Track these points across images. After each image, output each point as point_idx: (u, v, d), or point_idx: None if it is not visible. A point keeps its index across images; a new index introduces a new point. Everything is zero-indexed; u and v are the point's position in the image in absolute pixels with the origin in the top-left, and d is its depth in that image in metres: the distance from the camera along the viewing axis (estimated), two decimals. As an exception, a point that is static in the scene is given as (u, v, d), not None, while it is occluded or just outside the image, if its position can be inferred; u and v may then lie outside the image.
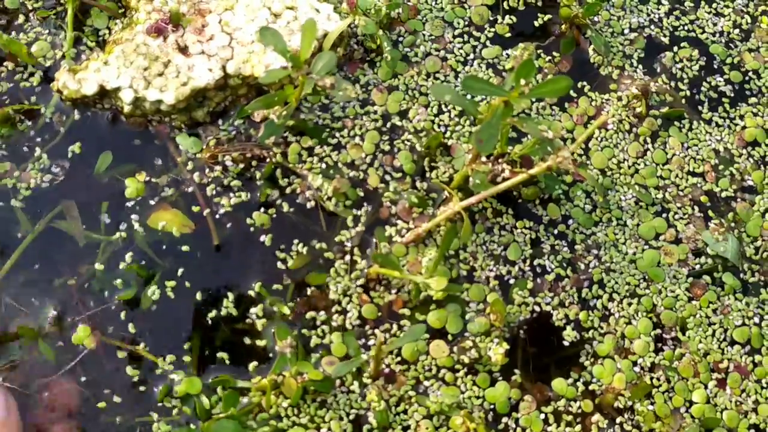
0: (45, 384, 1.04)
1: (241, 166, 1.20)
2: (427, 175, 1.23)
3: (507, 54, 1.33)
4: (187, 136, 1.20)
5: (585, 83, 1.33)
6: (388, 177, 1.22)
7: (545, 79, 1.18)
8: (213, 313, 1.11)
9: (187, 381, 1.06)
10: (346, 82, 1.23)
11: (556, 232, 1.22)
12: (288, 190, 1.19)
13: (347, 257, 1.17)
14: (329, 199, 1.19)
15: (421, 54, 1.31)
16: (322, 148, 1.22)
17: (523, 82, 1.05)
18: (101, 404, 1.05)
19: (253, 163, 1.20)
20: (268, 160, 1.20)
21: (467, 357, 1.13)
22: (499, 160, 1.19)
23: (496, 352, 1.13)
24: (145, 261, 1.13)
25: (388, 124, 1.25)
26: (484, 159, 1.19)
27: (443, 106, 1.27)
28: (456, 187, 1.20)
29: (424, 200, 1.21)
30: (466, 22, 1.35)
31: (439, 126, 1.26)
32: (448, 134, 1.26)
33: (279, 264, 1.15)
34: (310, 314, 1.13)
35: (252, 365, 1.09)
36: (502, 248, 1.20)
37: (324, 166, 1.21)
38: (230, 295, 1.12)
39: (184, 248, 1.14)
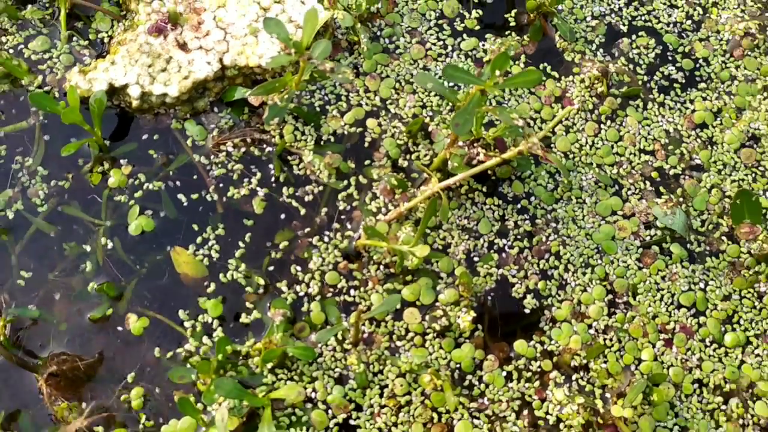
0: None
1: (243, 150, 1.14)
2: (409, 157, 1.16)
3: (482, 44, 1.26)
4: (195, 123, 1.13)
5: (550, 67, 1.24)
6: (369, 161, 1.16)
7: (518, 72, 1.11)
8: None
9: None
10: (344, 66, 1.16)
11: (519, 207, 1.15)
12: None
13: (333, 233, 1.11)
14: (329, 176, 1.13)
15: (402, 45, 1.23)
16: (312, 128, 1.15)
17: (498, 72, 0.98)
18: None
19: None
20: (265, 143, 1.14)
21: (438, 324, 1.07)
22: (475, 144, 1.12)
23: (464, 319, 1.07)
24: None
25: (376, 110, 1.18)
26: (461, 143, 1.12)
27: (426, 96, 1.19)
28: (435, 168, 1.12)
29: (403, 182, 1.13)
30: (438, 14, 1.26)
31: (419, 114, 1.18)
32: (428, 120, 1.17)
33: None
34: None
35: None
36: (474, 223, 1.13)
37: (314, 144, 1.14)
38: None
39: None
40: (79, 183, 1.08)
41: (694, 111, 1.24)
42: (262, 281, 1.06)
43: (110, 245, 1.06)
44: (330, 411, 1.01)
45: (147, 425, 0.98)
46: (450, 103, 1.16)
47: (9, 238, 1.04)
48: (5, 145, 1.09)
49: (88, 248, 1.05)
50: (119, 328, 1.02)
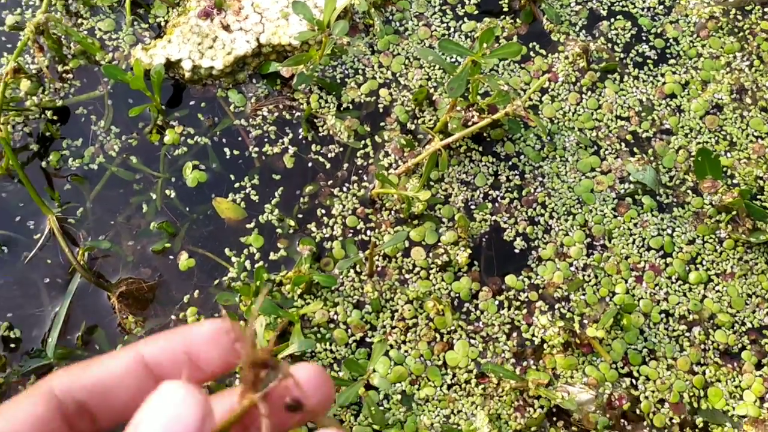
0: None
1: (276, 115, 1.33)
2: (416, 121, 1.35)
3: (480, 26, 1.43)
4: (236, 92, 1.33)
5: (539, 45, 1.40)
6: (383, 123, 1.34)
7: (502, 45, 1.29)
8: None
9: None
10: (358, 41, 1.35)
11: (510, 164, 1.32)
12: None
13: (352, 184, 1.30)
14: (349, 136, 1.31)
15: (411, 28, 1.41)
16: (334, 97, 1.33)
17: (485, 45, 1.17)
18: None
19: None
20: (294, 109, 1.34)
21: (440, 260, 1.25)
22: (470, 109, 1.31)
23: (462, 256, 1.24)
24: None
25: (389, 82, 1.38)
26: (459, 108, 1.30)
27: (431, 70, 1.37)
28: (438, 131, 1.29)
29: (411, 142, 1.32)
30: (442, 1, 1.42)
31: (426, 84, 1.36)
32: (433, 90, 1.36)
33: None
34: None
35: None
36: (472, 177, 1.32)
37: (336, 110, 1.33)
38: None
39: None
40: (141, 141, 1.28)
41: (664, 83, 1.39)
42: (293, 223, 1.25)
43: (167, 193, 1.26)
44: (349, 330, 1.20)
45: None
46: (449, 76, 1.35)
47: (85, 187, 1.25)
48: (83, 107, 1.29)
49: (149, 196, 1.25)
50: (176, 261, 1.22)
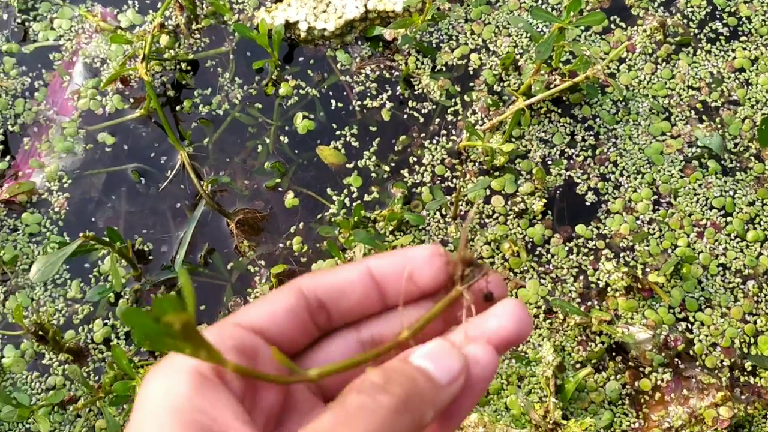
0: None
1: (377, 73, 1.50)
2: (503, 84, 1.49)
3: None
4: (344, 52, 1.49)
5: (619, 19, 1.51)
6: (471, 84, 1.49)
7: (587, 14, 1.41)
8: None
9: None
10: (458, 7, 1.51)
11: (586, 125, 1.45)
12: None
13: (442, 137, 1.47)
14: (440, 96, 1.46)
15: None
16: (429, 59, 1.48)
17: (572, 13, 1.30)
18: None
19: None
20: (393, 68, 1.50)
21: (517, 208, 1.39)
22: (553, 73, 1.45)
23: (538, 205, 1.37)
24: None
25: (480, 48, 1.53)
26: (542, 72, 1.44)
27: (518, 38, 1.52)
28: (521, 93, 1.40)
29: (496, 102, 1.47)
30: None
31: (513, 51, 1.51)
32: (518, 57, 1.50)
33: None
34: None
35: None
36: (550, 136, 1.46)
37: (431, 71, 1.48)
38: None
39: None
40: (259, 92, 1.46)
41: (734, 58, 1.49)
42: (387, 169, 1.41)
43: (280, 139, 1.43)
44: (434, 264, 1.36)
45: (302, 261, 1.36)
46: (536, 43, 1.48)
47: (209, 129, 1.44)
48: (211, 61, 1.48)
49: (263, 140, 1.43)
50: (283, 197, 1.40)
